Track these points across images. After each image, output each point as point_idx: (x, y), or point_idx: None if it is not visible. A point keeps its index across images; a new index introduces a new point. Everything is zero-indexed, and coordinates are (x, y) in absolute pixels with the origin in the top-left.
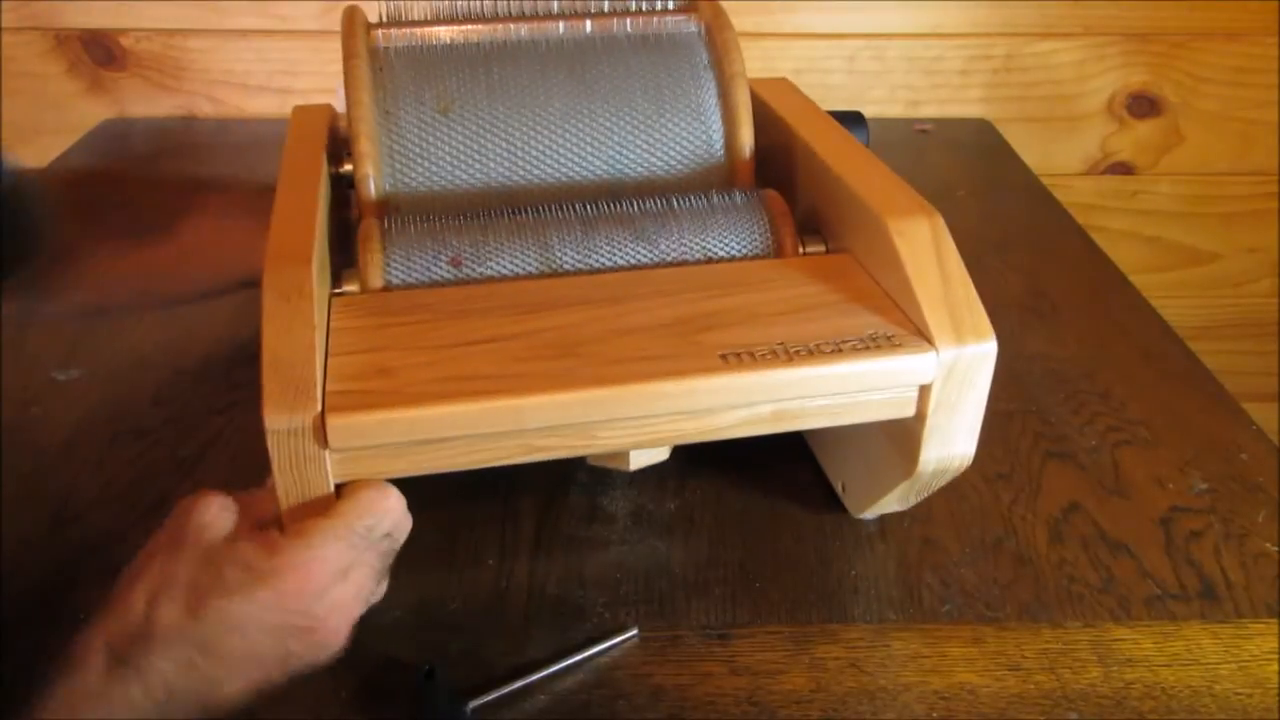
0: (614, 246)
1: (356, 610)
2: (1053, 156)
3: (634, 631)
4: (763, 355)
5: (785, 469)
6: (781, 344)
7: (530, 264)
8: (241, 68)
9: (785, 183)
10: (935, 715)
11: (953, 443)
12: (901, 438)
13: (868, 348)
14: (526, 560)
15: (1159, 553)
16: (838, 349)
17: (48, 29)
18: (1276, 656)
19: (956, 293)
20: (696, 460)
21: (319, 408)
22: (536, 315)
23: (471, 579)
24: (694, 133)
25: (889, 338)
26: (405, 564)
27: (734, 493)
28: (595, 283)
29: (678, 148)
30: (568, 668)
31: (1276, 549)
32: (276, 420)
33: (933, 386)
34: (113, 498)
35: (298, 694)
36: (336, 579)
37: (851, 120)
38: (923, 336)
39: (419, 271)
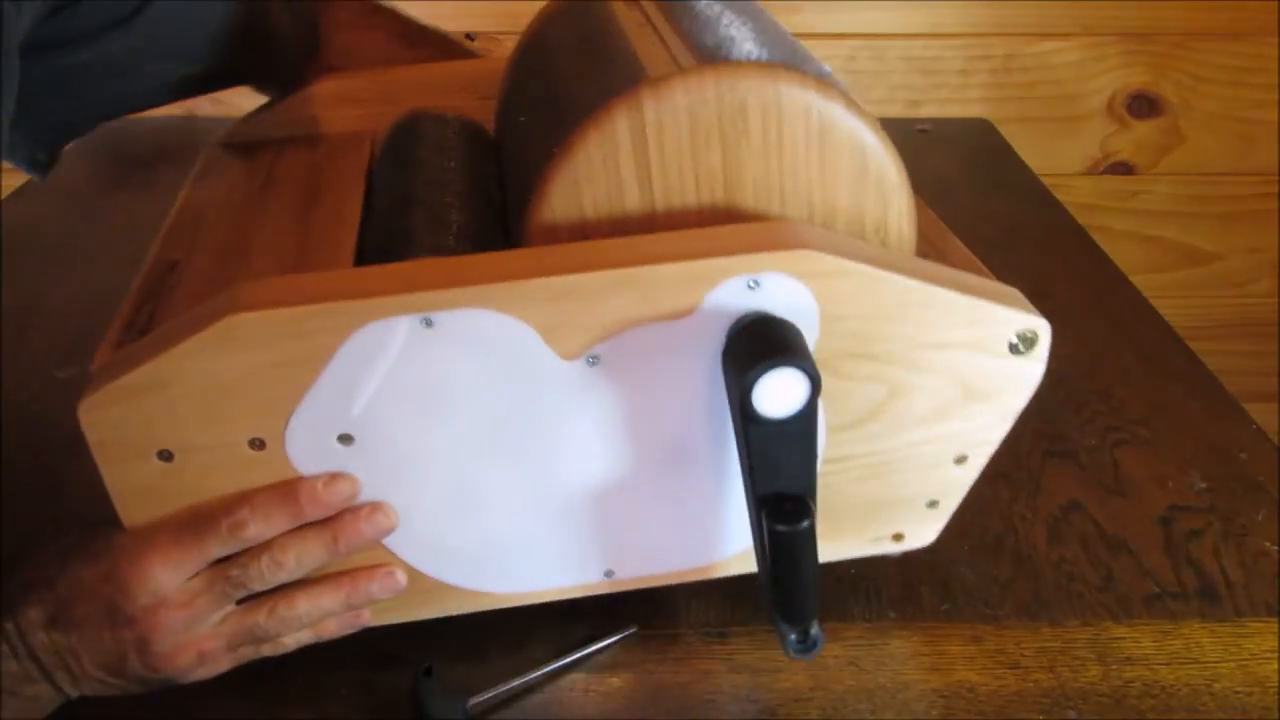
0: None
1: (190, 640)
2: (1053, 156)
3: (633, 629)
4: None
5: None
6: None
7: None
8: None
9: None
10: (935, 714)
11: None
12: None
13: None
14: None
15: (1158, 552)
16: None
17: None
18: (1276, 655)
19: None
20: None
21: None
22: None
23: None
24: None
25: None
26: None
27: None
28: None
29: None
30: (567, 666)
31: (1276, 548)
32: None
33: None
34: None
35: (297, 692)
36: (169, 578)
37: None
38: None
39: None
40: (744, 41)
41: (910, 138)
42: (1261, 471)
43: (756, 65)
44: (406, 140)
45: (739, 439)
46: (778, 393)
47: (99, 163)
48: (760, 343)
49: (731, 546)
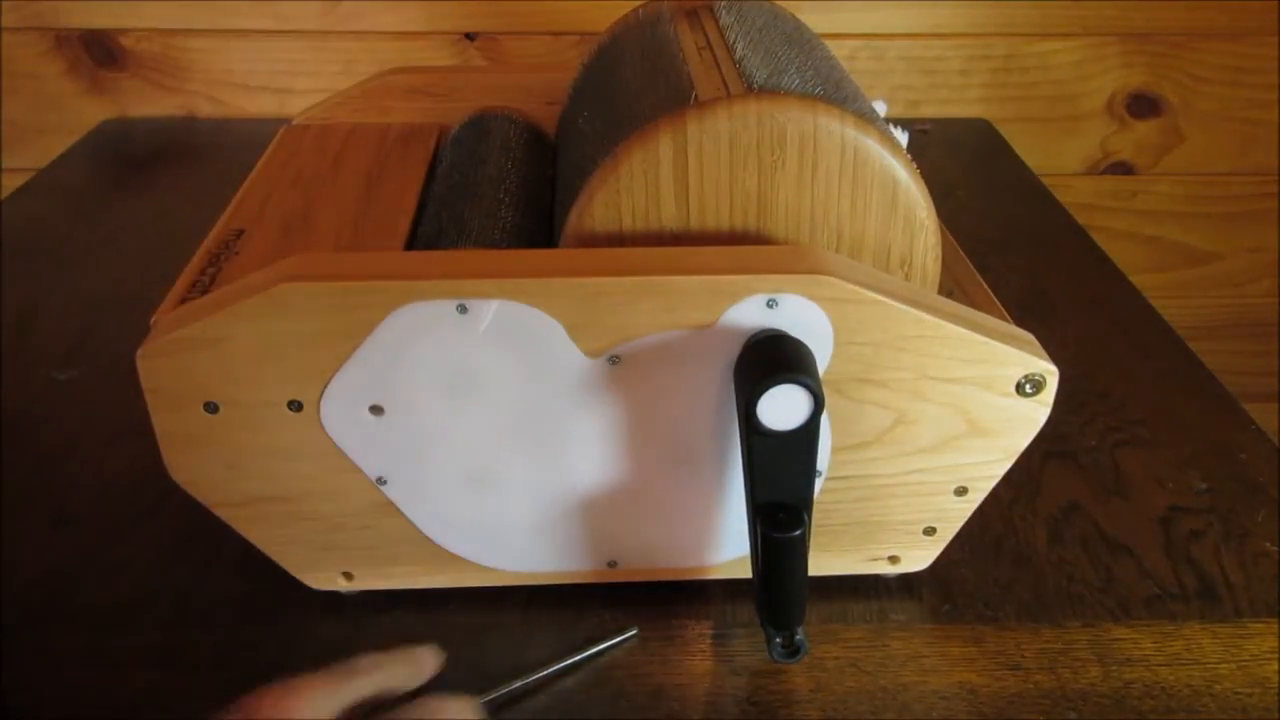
0: None
1: None
2: (1053, 156)
3: (634, 631)
4: None
5: None
6: None
7: None
8: (242, 68)
9: None
10: (935, 715)
11: None
12: None
13: None
14: None
15: (1159, 553)
16: None
17: (48, 29)
18: (1276, 656)
19: None
20: None
21: None
22: None
23: None
24: None
25: None
26: None
27: None
28: None
29: None
30: (568, 667)
31: (1276, 549)
32: None
33: None
34: (113, 498)
35: None
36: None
37: None
38: None
39: None
40: (793, 72)
41: (910, 138)
42: (1261, 472)
43: (798, 96)
44: (473, 136)
45: (742, 448)
46: (781, 407)
47: (99, 163)
48: (770, 358)
49: (733, 549)
